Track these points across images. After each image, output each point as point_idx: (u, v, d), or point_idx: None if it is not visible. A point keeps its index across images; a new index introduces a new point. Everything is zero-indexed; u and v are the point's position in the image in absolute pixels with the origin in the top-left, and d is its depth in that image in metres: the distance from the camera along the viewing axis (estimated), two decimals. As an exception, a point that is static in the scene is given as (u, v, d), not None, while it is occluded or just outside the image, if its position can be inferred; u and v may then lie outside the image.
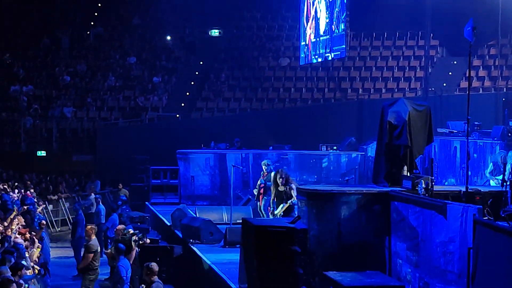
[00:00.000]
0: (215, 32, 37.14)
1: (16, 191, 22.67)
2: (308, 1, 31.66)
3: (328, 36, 29.53)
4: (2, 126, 32.77)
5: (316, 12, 30.90)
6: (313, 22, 31.05)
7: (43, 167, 30.67)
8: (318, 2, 30.68)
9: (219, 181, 24.20)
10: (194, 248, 17.01)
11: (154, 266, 12.01)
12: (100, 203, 22.17)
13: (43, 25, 37.74)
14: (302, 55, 32.40)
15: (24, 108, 33.18)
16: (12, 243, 13.98)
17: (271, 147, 25.97)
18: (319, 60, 31.19)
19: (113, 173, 29.55)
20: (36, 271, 14.42)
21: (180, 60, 36.90)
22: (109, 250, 15.98)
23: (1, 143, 32.43)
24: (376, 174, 13.77)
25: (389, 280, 11.82)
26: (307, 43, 31.70)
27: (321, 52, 30.37)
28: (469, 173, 12.63)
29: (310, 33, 31.38)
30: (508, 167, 15.38)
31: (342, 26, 28.53)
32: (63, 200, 28.05)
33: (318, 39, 30.57)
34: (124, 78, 35.48)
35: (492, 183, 16.57)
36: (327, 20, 29.72)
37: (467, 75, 16.56)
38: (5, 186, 22.40)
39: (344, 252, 12.30)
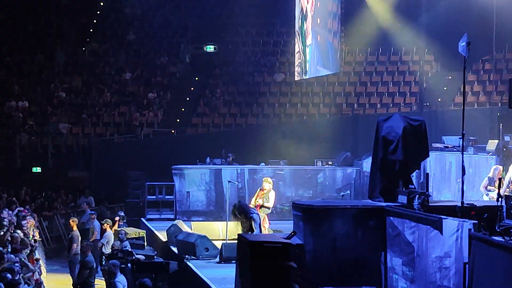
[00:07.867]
0: (210, 48, 37.18)
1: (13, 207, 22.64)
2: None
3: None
4: (-3, 142, 32.74)
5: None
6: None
7: (39, 183, 30.57)
8: None
9: (215, 197, 24.17)
10: (190, 264, 16.97)
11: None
12: (95, 219, 22.12)
13: (38, 41, 37.73)
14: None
15: (19, 124, 33.12)
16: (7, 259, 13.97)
17: (262, 163, 25.91)
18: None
19: (108, 189, 29.50)
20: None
21: (175, 76, 36.91)
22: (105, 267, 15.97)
23: (-4, 159, 32.41)
24: (372, 189, 13.76)
25: (385, 295, 11.83)
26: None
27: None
28: (465, 188, 12.63)
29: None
30: (506, 181, 15.38)
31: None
32: (59, 216, 27.98)
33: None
34: (120, 94, 35.48)
35: (485, 198, 16.57)
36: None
37: (462, 90, 16.54)
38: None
39: (340, 268, 12.27)
